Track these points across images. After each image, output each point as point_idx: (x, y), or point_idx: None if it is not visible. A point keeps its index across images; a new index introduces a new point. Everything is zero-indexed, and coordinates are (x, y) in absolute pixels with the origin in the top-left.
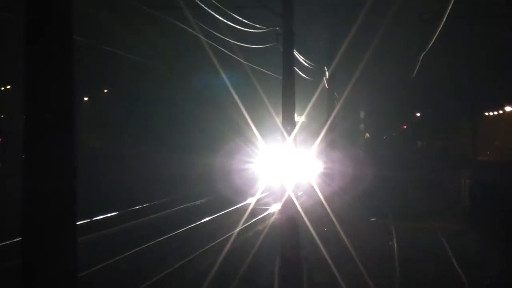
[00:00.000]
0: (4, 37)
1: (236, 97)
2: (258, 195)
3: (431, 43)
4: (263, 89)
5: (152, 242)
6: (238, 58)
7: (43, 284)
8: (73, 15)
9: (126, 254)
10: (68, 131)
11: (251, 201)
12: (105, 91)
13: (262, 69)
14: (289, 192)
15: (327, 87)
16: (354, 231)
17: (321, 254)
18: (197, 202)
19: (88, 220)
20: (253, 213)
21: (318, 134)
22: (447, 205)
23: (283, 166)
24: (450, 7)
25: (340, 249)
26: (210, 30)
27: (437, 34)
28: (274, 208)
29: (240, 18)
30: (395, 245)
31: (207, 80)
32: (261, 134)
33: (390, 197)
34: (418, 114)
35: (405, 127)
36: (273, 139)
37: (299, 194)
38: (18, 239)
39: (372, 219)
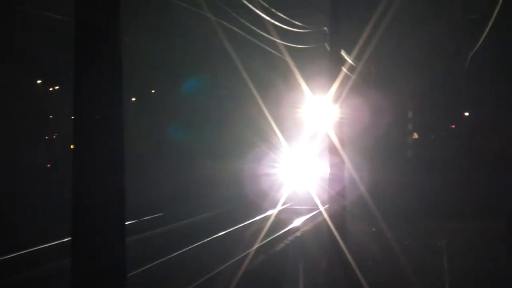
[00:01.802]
0: (53, 38)
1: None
2: (287, 202)
3: (480, 42)
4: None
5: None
6: (285, 58)
7: (92, 282)
8: (120, 17)
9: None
10: (118, 131)
11: (280, 208)
12: (152, 91)
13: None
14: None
15: (373, 86)
16: (400, 230)
17: (369, 255)
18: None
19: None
20: (285, 222)
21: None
22: (495, 205)
23: (323, 169)
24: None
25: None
26: (255, 29)
27: (485, 33)
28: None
29: (287, 18)
30: (444, 245)
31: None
32: (293, 138)
33: (433, 197)
34: (467, 114)
35: (453, 126)
36: (302, 142)
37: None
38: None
39: (416, 220)
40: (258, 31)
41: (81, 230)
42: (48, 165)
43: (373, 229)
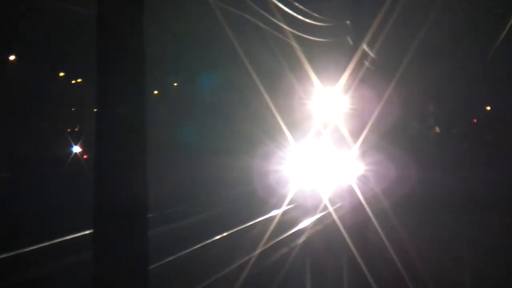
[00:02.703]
0: (75, 30)
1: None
2: (299, 200)
3: (503, 35)
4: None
5: None
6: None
7: (114, 274)
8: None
9: None
10: (140, 125)
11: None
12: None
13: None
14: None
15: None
16: (416, 227)
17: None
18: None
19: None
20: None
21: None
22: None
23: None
24: None
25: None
26: (274, 20)
27: (508, 26)
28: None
29: (308, 11)
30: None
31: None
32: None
33: (452, 193)
34: (489, 108)
35: (475, 120)
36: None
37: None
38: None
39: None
40: (281, 24)
41: (103, 224)
42: (85, 156)
43: (390, 225)
